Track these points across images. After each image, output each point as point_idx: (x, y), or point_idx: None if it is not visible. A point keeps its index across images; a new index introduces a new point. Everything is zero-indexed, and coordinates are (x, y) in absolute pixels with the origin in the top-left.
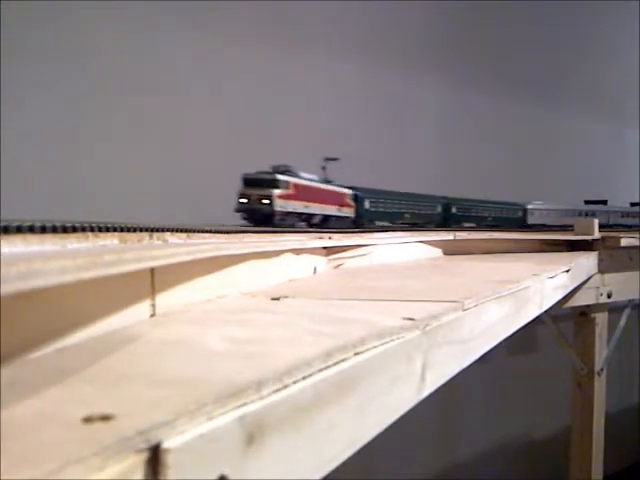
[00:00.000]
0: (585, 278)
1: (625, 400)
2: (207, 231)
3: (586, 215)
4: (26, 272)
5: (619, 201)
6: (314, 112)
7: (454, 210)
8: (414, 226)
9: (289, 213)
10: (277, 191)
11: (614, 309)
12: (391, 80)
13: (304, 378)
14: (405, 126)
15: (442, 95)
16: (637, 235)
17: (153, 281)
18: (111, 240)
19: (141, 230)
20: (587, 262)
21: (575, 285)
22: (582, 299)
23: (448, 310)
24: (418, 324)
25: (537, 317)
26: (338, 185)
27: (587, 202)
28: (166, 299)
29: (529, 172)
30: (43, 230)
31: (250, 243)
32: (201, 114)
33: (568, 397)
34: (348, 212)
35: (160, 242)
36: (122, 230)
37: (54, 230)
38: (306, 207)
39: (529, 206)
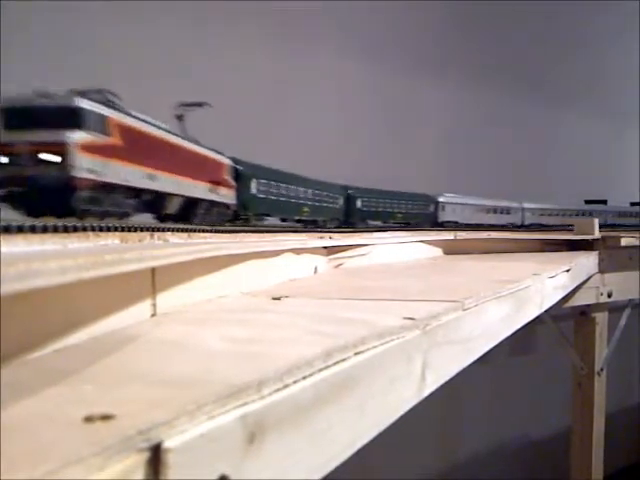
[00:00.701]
0: (585, 278)
1: (625, 400)
2: (208, 231)
3: (501, 213)
4: (25, 272)
5: (619, 201)
6: (315, 111)
7: (359, 204)
8: (311, 224)
9: (111, 188)
10: (79, 136)
11: (614, 309)
12: (393, 80)
13: (304, 378)
14: (406, 126)
15: (443, 95)
16: (637, 235)
17: (154, 281)
18: (112, 240)
19: (142, 230)
20: (587, 262)
21: (575, 285)
22: (582, 299)
23: (448, 310)
24: (418, 324)
25: (537, 317)
26: (208, 149)
27: (587, 202)
28: (167, 299)
29: (529, 172)
30: (44, 230)
31: (250, 243)
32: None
33: (568, 397)
34: (226, 196)
35: (161, 242)
36: (123, 230)
37: (55, 230)
38: (150, 178)
39: (441, 199)
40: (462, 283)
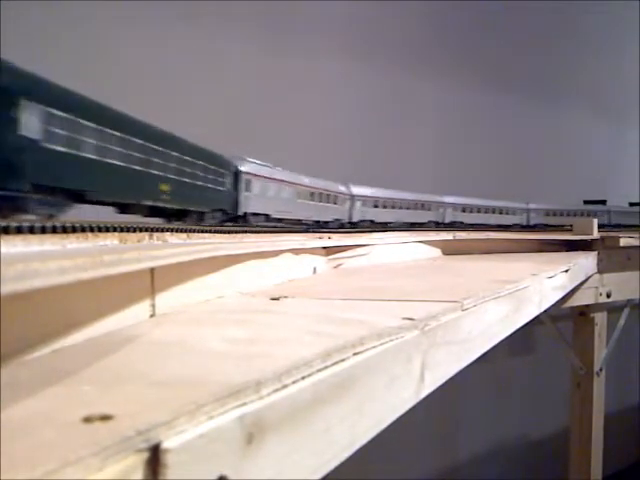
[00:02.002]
0: (584, 278)
1: (624, 400)
2: (207, 231)
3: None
4: (24, 273)
5: (619, 201)
6: (313, 111)
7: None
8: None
9: None
10: None
11: (613, 309)
12: (390, 79)
13: (303, 378)
14: (405, 126)
15: (442, 95)
16: (636, 235)
17: (153, 281)
18: (111, 240)
19: (141, 230)
20: (586, 262)
21: (574, 285)
22: (581, 299)
23: (447, 310)
24: (417, 324)
25: (536, 317)
26: None
27: (586, 202)
28: (166, 299)
29: (529, 172)
30: (43, 230)
31: (249, 243)
32: (196, 112)
33: (567, 397)
34: None
35: (160, 242)
36: (122, 230)
37: (54, 230)
38: None
39: (241, 167)
40: (461, 283)
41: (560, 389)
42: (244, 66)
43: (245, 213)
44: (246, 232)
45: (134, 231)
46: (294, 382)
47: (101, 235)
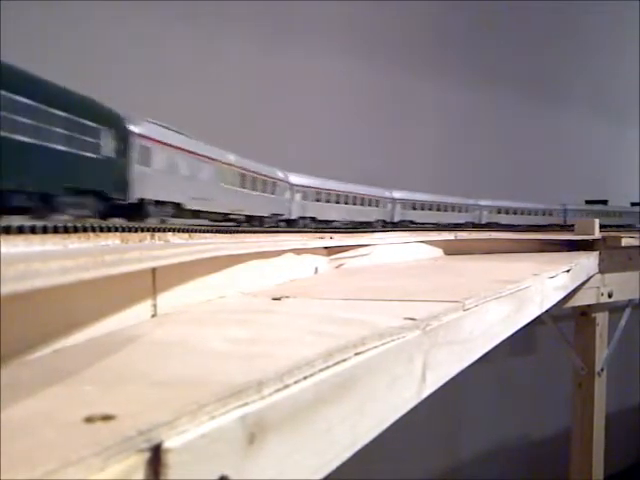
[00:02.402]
0: (586, 278)
1: (626, 400)
2: (209, 231)
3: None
4: (25, 273)
5: (619, 201)
6: (312, 111)
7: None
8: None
9: None
10: None
11: (615, 309)
12: (391, 79)
13: (305, 378)
14: (405, 126)
15: (442, 95)
16: (637, 235)
17: (154, 281)
18: (113, 240)
19: (142, 230)
20: (588, 262)
21: (576, 285)
22: (583, 299)
23: (449, 310)
24: (419, 324)
25: (538, 317)
26: None
27: (588, 202)
28: (167, 299)
29: (529, 172)
30: (45, 230)
31: (251, 243)
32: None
33: (569, 397)
34: None
35: (161, 242)
36: (124, 230)
37: (55, 230)
38: None
39: (134, 127)
40: (462, 283)
41: (561, 389)
42: (243, 66)
43: (142, 200)
44: (247, 232)
45: (136, 231)
46: (296, 382)
47: (102, 235)
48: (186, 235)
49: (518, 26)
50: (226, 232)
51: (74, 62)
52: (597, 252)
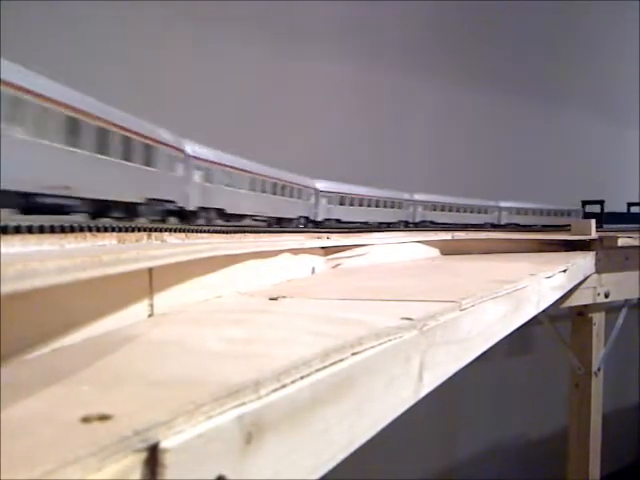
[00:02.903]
0: (582, 278)
1: (622, 400)
2: (205, 231)
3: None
4: (23, 272)
5: (619, 201)
6: (313, 112)
7: None
8: None
9: None
10: None
11: (611, 309)
12: (388, 80)
13: (302, 378)
14: (404, 126)
15: (441, 95)
16: (634, 235)
17: (151, 281)
18: (109, 240)
19: (139, 230)
20: (584, 262)
21: (572, 285)
22: (579, 299)
23: (446, 310)
24: (416, 324)
25: (534, 317)
26: None
27: (584, 202)
28: (164, 299)
29: (529, 172)
30: (41, 230)
31: (248, 243)
32: (197, 111)
33: (565, 397)
34: None
35: (158, 242)
36: (120, 230)
37: (52, 230)
38: None
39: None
40: (459, 283)
41: (558, 389)
42: (243, 68)
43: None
44: (245, 232)
45: (132, 231)
46: (293, 382)
47: (99, 235)
48: (183, 235)
49: (518, 26)
50: (223, 232)
51: (74, 62)
52: (594, 252)
